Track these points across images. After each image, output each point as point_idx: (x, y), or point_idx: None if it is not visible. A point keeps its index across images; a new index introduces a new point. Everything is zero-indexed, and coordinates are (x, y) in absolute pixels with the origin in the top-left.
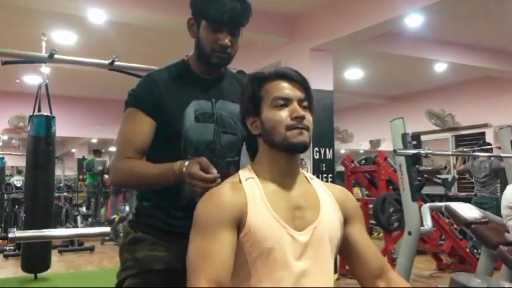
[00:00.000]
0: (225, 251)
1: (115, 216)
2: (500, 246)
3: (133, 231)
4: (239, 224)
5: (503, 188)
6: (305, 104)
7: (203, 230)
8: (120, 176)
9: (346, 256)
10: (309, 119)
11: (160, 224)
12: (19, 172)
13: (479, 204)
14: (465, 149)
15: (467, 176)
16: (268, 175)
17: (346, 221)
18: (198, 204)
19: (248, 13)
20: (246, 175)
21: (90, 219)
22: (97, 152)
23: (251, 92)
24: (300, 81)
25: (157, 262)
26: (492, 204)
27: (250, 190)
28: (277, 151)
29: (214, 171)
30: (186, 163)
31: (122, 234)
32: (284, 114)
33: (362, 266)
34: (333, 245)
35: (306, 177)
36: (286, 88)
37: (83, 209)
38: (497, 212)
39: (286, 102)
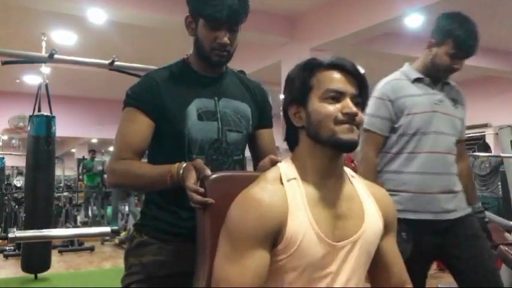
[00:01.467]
0: (258, 272)
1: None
2: (500, 246)
3: (139, 236)
4: (277, 236)
5: (503, 188)
6: (358, 100)
7: (237, 243)
8: (115, 177)
9: (372, 264)
10: (361, 117)
11: (166, 226)
12: (20, 173)
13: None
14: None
15: None
16: (310, 175)
17: (384, 229)
18: (233, 206)
19: (246, 9)
20: (289, 174)
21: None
22: (93, 152)
23: (301, 79)
24: (356, 75)
25: (163, 267)
26: (493, 204)
27: (292, 194)
28: (321, 147)
29: (208, 172)
30: (184, 165)
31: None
32: (335, 108)
33: (385, 278)
34: (369, 257)
35: (348, 176)
36: (340, 81)
37: (82, 215)
38: (498, 212)
39: (338, 96)
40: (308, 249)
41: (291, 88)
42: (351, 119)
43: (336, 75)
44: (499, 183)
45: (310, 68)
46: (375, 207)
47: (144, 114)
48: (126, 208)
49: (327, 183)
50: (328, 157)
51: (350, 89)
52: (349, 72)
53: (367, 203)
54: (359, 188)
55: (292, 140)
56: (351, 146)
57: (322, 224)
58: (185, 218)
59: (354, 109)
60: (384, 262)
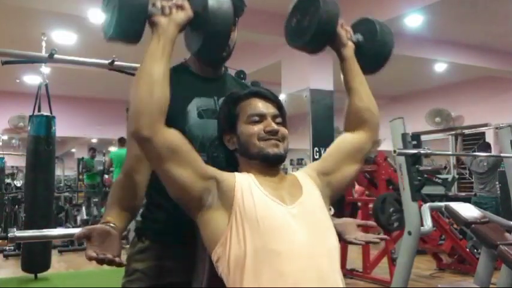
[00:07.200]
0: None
1: None
2: (500, 246)
3: (140, 241)
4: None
5: (502, 188)
6: (279, 120)
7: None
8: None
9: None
10: (283, 132)
11: (167, 229)
12: (12, 174)
13: (478, 204)
14: (463, 133)
15: (467, 176)
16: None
17: (322, 175)
18: None
19: (242, 4)
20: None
21: (90, 223)
22: (93, 151)
23: (227, 111)
24: (272, 99)
25: (165, 275)
26: (491, 204)
27: (241, 176)
28: (255, 163)
29: (92, 254)
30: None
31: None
32: (258, 128)
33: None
34: (323, 211)
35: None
36: (259, 105)
37: (83, 214)
38: (497, 212)
39: (260, 118)
40: (262, 206)
41: (221, 120)
42: (274, 135)
43: (256, 101)
44: (497, 182)
45: (233, 100)
46: (304, 174)
47: None
48: None
49: (271, 179)
50: (262, 170)
51: (269, 110)
52: (266, 97)
53: (299, 175)
54: (298, 174)
55: (233, 164)
56: (276, 160)
57: (271, 192)
58: (186, 221)
59: (275, 126)
60: (342, 152)
